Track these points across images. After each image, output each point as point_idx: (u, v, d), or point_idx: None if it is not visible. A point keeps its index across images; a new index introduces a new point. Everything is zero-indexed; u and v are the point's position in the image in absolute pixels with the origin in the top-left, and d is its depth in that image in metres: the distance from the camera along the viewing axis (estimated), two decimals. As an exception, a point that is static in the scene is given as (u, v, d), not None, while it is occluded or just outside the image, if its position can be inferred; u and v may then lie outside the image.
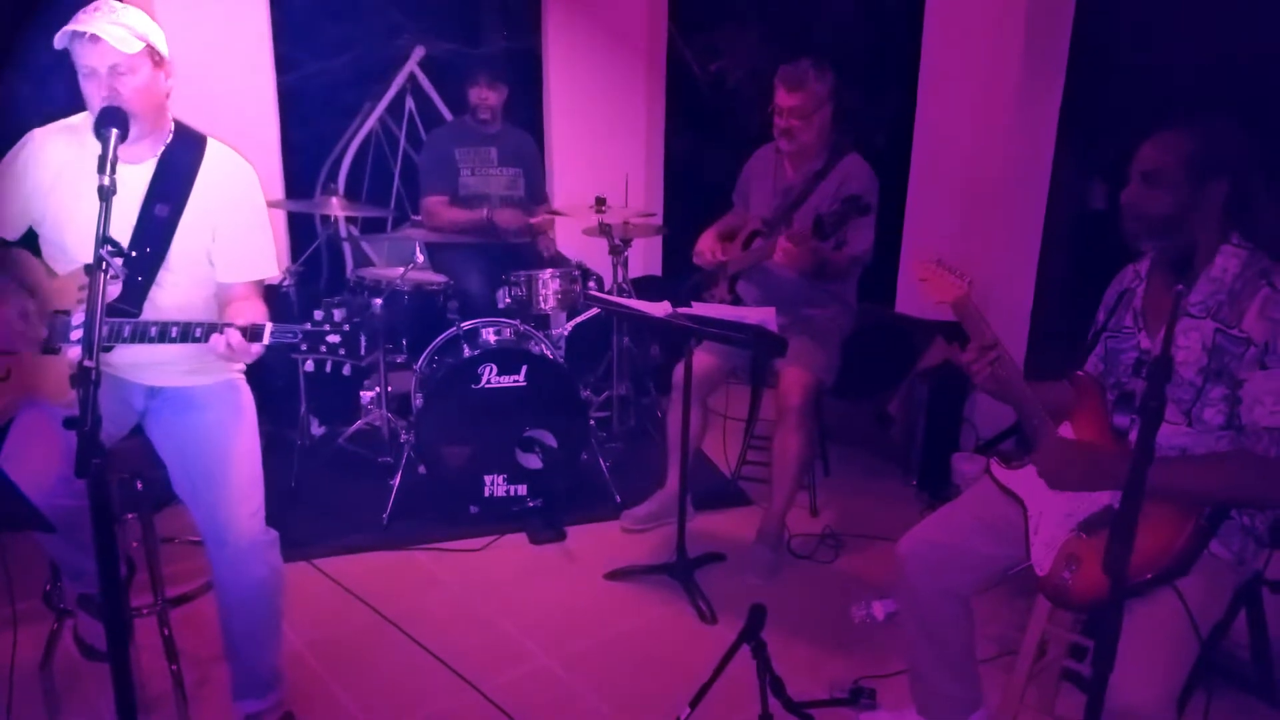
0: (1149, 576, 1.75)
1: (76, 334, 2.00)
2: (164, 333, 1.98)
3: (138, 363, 2.18)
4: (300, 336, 1.98)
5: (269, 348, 1.98)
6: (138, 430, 2.29)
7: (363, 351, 2.01)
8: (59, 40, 1.96)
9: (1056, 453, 1.93)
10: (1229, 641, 2.41)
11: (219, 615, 2.29)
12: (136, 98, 1.99)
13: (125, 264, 1.98)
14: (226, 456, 2.21)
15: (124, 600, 2.12)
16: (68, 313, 2.04)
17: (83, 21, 1.94)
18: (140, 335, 1.98)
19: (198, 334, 1.97)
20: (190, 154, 2.15)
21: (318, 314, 2.00)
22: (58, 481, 1.95)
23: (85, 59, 1.96)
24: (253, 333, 1.95)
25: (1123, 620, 1.52)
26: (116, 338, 1.97)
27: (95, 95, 1.97)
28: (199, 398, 2.25)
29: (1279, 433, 1.74)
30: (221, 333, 1.94)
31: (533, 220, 4.27)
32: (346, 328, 1.99)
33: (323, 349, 2.00)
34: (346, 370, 2.03)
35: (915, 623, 2.23)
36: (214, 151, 2.18)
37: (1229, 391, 1.82)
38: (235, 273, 2.22)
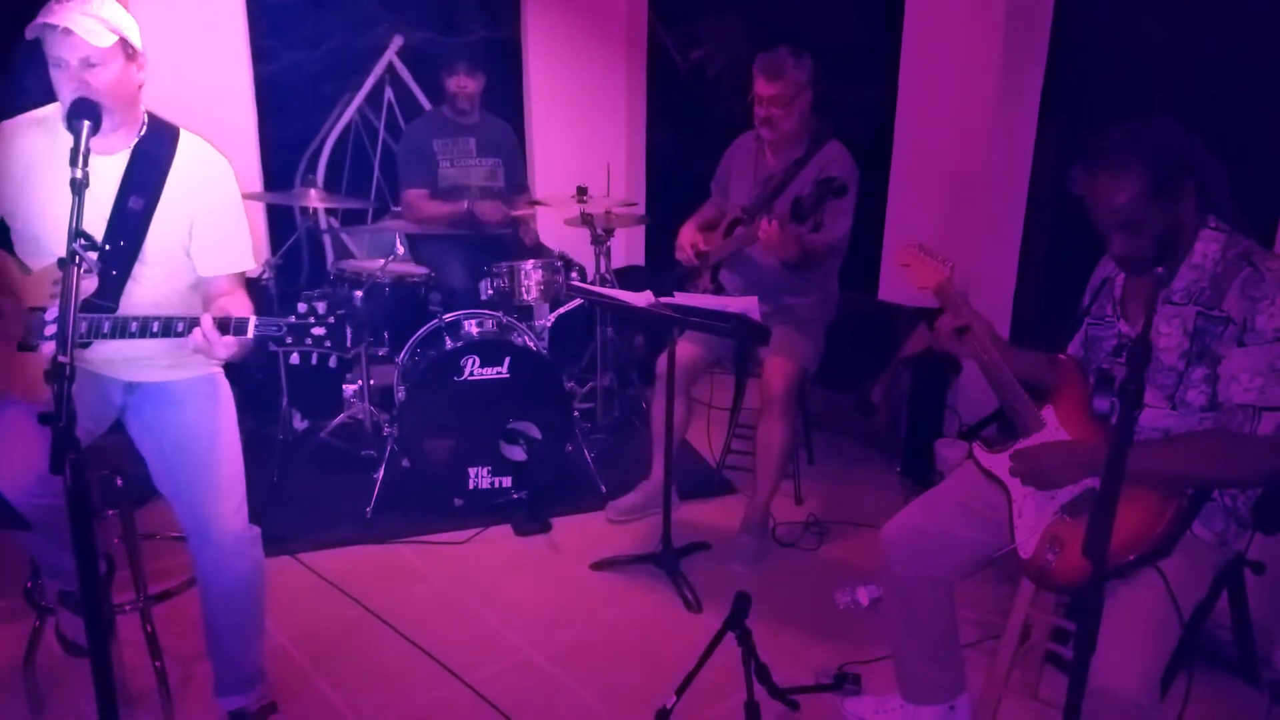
0: (1131, 558, 1.76)
1: (51, 329, 1.97)
2: (145, 328, 1.94)
3: (115, 358, 2.16)
4: (285, 330, 1.94)
5: (253, 340, 1.95)
6: (117, 426, 2.26)
7: (349, 343, 1.98)
8: (30, 31, 1.92)
9: (1032, 456, 1.93)
10: (1211, 622, 2.43)
11: (202, 611, 2.28)
12: (107, 91, 1.96)
13: (100, 258, 1.96)
14: (208, 451, 2.20)
15: (104, 597, 2.11)
16: (43, 309, 2.01)
17: (55, 13, 1.90)
18: (120, 330, 1.94)
19: (180, 329, 1.94)
20: (163, 146, 2.12)
21: (301, 306, 1.96)
22: (38, 480, 1.93)
23: (56, 50, 1.92)
24: (237, 325, 1.92)
25: (1105, 602, 1.53)
26: (96, 333, 1.94)
27: (65, 87, 1.94)
28: (178, 392, 2.23)
29: (1253, 409, 1.75)
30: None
31: (514, 213, 4.25)
32: (332, 320, 1.96)
33: (308, 342, 1.96)
34: (333, 362, 2.00)
35: (899, 608, 2.24)
36: (187, 143, 2.15)
37: (1210, 371, 1.82)
38: (214, 265, 2.19)
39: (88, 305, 1.99)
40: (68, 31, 1.89)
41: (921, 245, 2.19)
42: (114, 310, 2.05)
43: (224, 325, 1.91)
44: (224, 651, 2.31)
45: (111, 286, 2.06)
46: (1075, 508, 1.89)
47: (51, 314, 1.98)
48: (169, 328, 1.94)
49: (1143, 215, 1.80)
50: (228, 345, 1.92)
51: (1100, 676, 1.62)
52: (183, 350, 2.14)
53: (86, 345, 2.01)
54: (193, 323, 1.92)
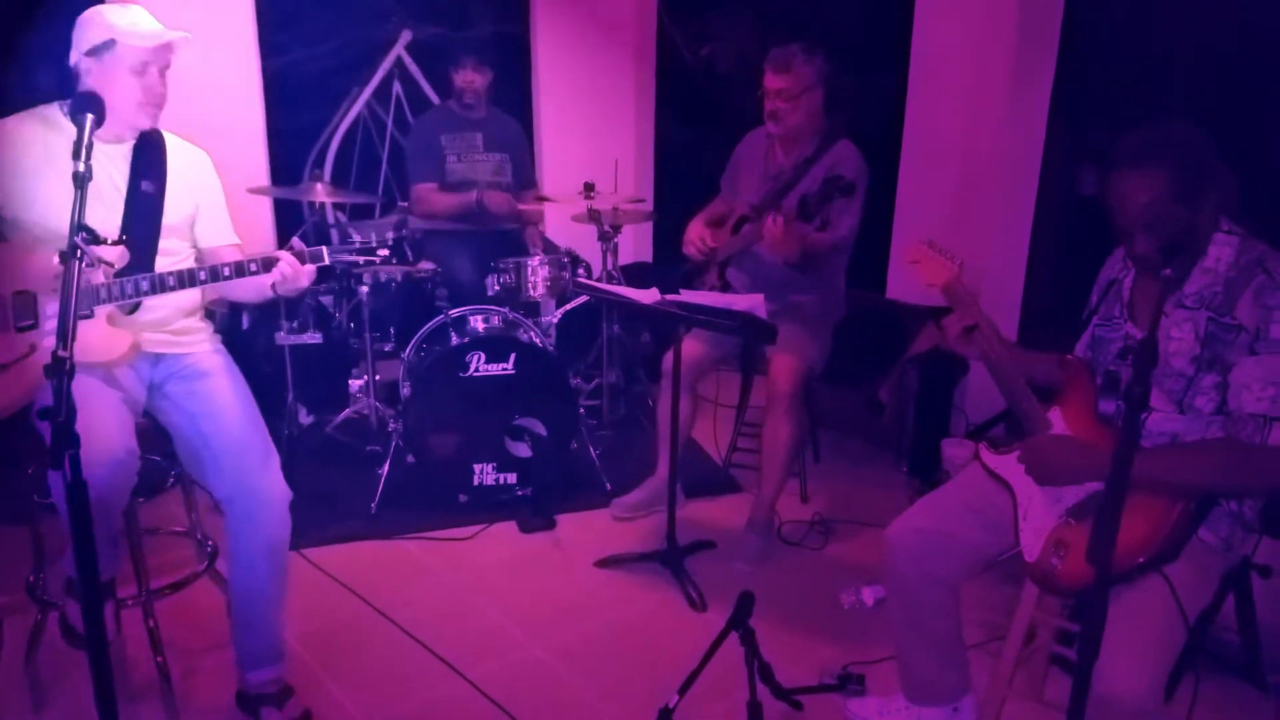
0: (1138, 562, 1.75)
1: (52, 324, 1.99)
2: (215, 273, 2.12)
3: (146, 325, 2.23)
4: (355, 253, 2.24)
5: (327, 268, 2.24)
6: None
7: (410, 257, 2.28)
8: (139, 39, 2.07)
9: (1041, 449, 1.92)
10: (1217, 626, 2.41)
11: (236, 585, 2.29)
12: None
13: (126, 237, 2.11)
14: (248, 412, 2.30)
15: (105, 591, 2.11)
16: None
17: (153, 24, 2.10)
18: (190, 280, 2.11)
19: (253, 268, 2.13)
20: (157, 137, 2.27)
21: (357, 236, 2.27)
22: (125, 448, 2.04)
23: (145, 56, 2.09)
24: (313, 255, 2.16)
25: (1110, 607, 1.51)
26: (161, 288, 2.08)
27: (140, 90, 2.10)
28: (202, 364, 2.32)
29: (1264, 419, 1.73)
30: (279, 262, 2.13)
31: (523, 206, 4.24)
32: (390, 242, 2.25)
33: (376, 261, 2.26)
34: (399, 276, 2.44)
35: (903, 609, 2.23)
36: (170, 137, 2.31)
37: (1220, 379, 1.80)
38: (218, 237, 2.39)
39: (123, 275, 2.11)
40: (184, 41, 2.11)
41: (930, 242, 2.17)
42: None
43: (300, 257, 2.14)
44: (261, 621, 2.31)
45: (143, 263, 2.16)
46: (1081, 511, 1.87)
47: (52, 309, 1.99)
48: (241, 269, 2.13)
49: (1166, 215, 1.77)
50: (309, 274, 2.18)
51: (1105, 681, 1.61)
52: (191, 319, 2.34)
53: (135, 308, 2.14)
54: (268, 262, 2.12)
